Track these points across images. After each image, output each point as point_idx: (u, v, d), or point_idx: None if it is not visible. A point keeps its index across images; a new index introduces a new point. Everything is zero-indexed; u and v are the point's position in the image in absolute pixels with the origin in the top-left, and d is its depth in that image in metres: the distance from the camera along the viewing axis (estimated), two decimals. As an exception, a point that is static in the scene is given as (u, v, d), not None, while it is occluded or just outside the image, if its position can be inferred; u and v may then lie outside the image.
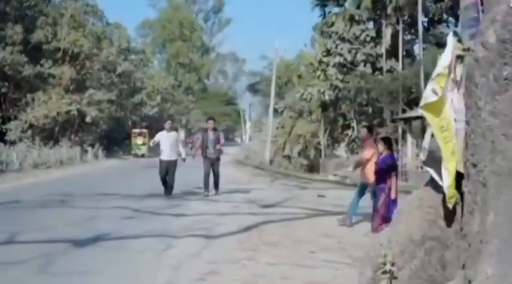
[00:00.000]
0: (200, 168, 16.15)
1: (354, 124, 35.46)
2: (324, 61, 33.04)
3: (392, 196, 9.67)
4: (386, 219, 9.63)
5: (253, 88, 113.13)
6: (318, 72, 34.33)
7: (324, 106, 38.16)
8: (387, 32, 30.94)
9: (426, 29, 32.10)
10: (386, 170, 9.80)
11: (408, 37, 31.48)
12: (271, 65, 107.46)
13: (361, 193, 10.86)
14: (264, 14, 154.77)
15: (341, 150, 36.46)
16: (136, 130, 48.92)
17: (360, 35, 31.64)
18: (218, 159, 16.13)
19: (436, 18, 31.28)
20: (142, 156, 46.02)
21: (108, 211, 12.51)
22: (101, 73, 40.82)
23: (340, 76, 32.02)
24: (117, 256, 8.00)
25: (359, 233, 9.86)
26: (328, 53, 32.78)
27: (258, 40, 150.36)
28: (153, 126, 56.59)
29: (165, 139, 15.58)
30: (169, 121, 16.56)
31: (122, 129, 50.97)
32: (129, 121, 51.23)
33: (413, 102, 30.92)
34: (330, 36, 34.14)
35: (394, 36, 31.47)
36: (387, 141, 10.15)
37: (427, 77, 27.78)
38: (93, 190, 17.38)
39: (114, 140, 48.74)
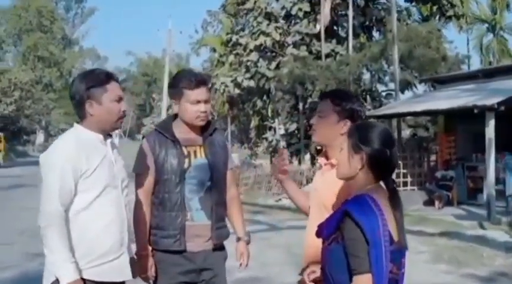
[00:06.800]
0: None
1: (275, 124, 28.22)
2: (241, 43, 25.65)
3: None
4: None
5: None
6: (231, 58, 27.05)
7: (231, 102, 31.00)
8: (326, 5, 23.95)
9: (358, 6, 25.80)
10: None
11: (350, 14, 24.42)
12: (138, 61, 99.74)
13: None
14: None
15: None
16: (-12, 134, 38.56)
17: (291, 9, 24.60)
18: (222, 253, 3.63)
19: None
20: (-4, 165, 36.29)
21: None
22: None
23: (264, 63, 24.87)
24: None
25: None
26: (251, 33, 25.47)
27: (125, 34, 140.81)
28: (8, 128, 47.54)
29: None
30: None
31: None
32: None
33: (364, 93, 24.34)
34: (247, 14, 26.98)
35: (334, 12, 24.80)
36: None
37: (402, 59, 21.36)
38: None
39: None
